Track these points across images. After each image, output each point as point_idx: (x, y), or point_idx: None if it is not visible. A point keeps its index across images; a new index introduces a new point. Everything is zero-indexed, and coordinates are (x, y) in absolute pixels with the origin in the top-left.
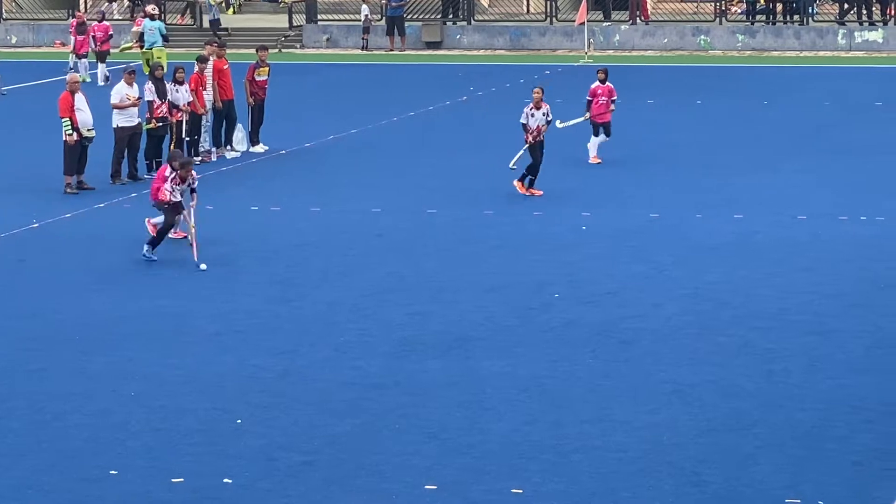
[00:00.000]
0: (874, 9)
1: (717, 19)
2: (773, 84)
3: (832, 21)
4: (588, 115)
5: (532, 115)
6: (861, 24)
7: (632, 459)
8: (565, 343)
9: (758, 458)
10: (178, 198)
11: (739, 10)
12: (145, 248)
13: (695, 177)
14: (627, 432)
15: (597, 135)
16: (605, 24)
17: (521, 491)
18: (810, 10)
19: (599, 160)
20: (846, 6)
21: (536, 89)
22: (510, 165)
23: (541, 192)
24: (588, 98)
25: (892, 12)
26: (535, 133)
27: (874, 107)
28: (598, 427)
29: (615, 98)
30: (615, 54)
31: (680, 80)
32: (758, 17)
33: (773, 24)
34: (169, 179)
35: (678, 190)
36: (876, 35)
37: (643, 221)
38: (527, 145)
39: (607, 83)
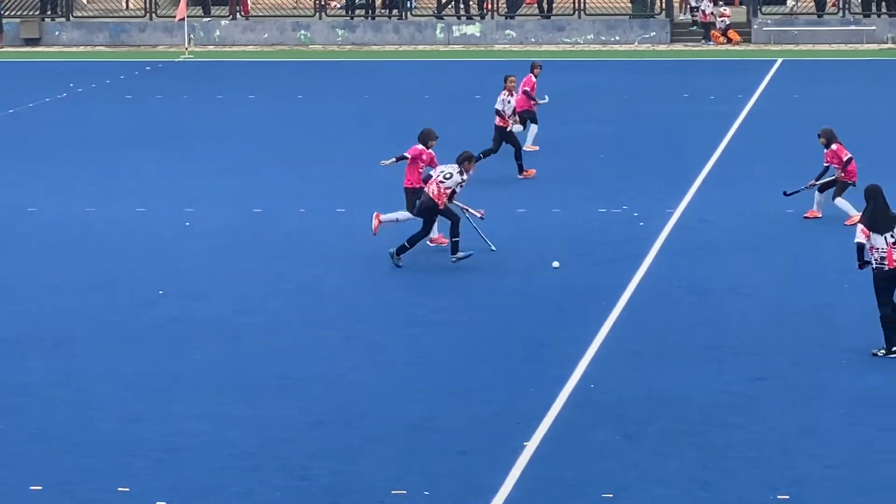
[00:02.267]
0: (472, 3)
1: (317, 14)
2: (374, 78)
3: (431, 15)
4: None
5: (508, 102)
6: (459, 18)
7: (241, 455)
8: (172, 339)
9: (365, 451)
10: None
11: (339, 5)
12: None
13: (297, 171)
14: (236, 428)
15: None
16: (205, 19)
17: (127, 489)
18: (409, 5)
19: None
20: (444, 0)
21: (511, 77)
22: (479, 154)
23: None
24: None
25: (489, 6)
26: (512, 118)
27: (473, 100)
28: (207, 423)
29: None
30: (216, 49)
31: (281, 74)
32: (357, 11)
33: (373, 18)
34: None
35: (282, 184)
36: (474, 29)
37: (247, 217)
38: (510, 127)
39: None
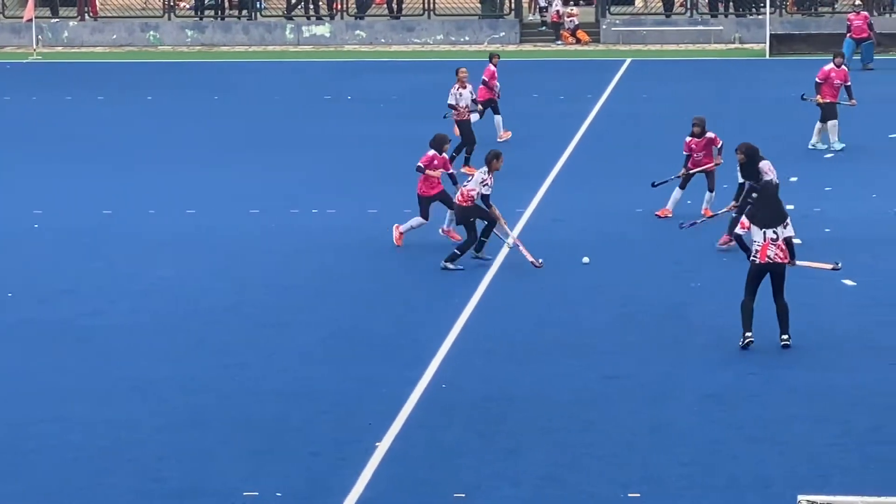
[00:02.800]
0: (321, 4)
1: (166, 14)
2: (224, 79)
3: (280, 16)
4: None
5: (461, 95)
6: (308, 18)
7: (91, 458)
8: (20, 342)
9: (217, 453)
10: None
11: (188, 6)
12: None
13: (147, 172)
14: (86, 431)
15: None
16: (53, 20)
17: None
18: (259, 5)
19: None
20: (293, 1)
21: (463, 69)
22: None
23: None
24: None
25: (339, 7)
26: (472, 106)
27: (323, 101)
28: (57, 426)
29: None
30: (64, 51)
31: (130, 76)
32: (207, 11)
33: (223, 18)
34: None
35: (131, 186)
36: (323, 29)
37: (96, 218)
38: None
39: None
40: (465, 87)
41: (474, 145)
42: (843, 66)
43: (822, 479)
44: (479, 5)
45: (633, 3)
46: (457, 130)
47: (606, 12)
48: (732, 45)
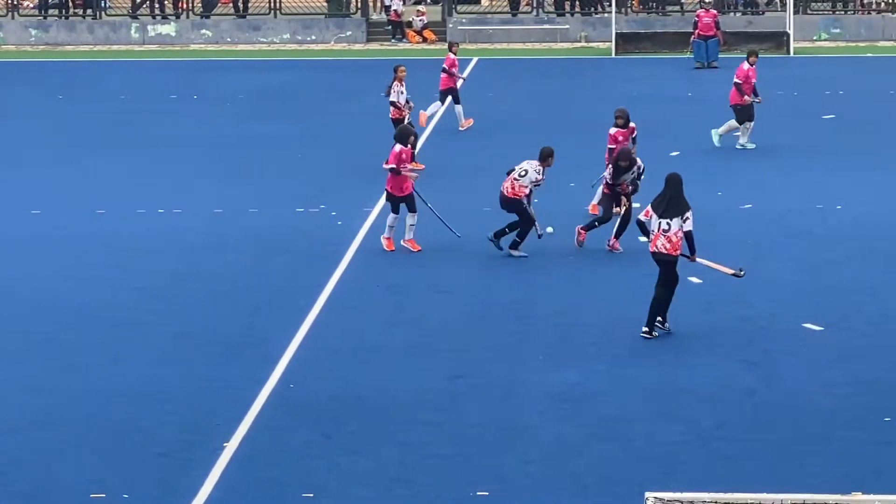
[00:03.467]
0: (167, 3)
1: (10, 14)
2: (69, 78)
3: (126, 15)
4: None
5: (402, 93)
6: (154, 17)
7: None
8: None
9: (64, 455)
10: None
11: (31, 5)
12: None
13: None
14: None
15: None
16: None
17: None
18: (103, 4)
19: None
20: (139, 0)
21: (402, 66)
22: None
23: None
24: None
25: (184, 6)
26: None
27: (169, 100)
28: None
29: None
30: None
31: None
32: (51, 11)
33: (67, 18)
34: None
35: None
36: (169, 28)
37: None
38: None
39: None
40: (403, 84)
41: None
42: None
43: (668, 476)
44: (325, 4)
45: (479, 2)
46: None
47: (453, 11)
48: (579, 44)
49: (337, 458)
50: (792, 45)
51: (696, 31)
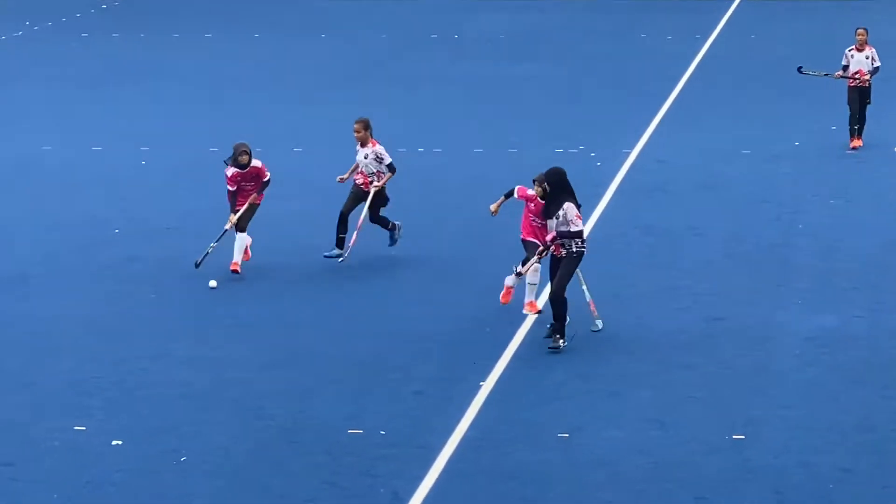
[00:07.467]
0: None
1: None
2: (330, 17)
3: None
4: None
5: None
6: None
7: (194, 395)
8: (126, 280)
9: (319, 391)
10: None
11: None
12: None
13: None
14: (189, 368)
15: None
16: None
17: (84, 428)
18: None
19: None
20: None
21: None
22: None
23: None
24: None
25: None
26: None
27: (430, 38)
28: (160, 363)
29: None
30: None
31: None
32: None
33: None
34: None
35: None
36: None
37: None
38: None
39: None
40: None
41: None
42: None
43: None
44: None
45: None
46: None
47: None
48: None
49: (591, 398)
50: None
51: None
